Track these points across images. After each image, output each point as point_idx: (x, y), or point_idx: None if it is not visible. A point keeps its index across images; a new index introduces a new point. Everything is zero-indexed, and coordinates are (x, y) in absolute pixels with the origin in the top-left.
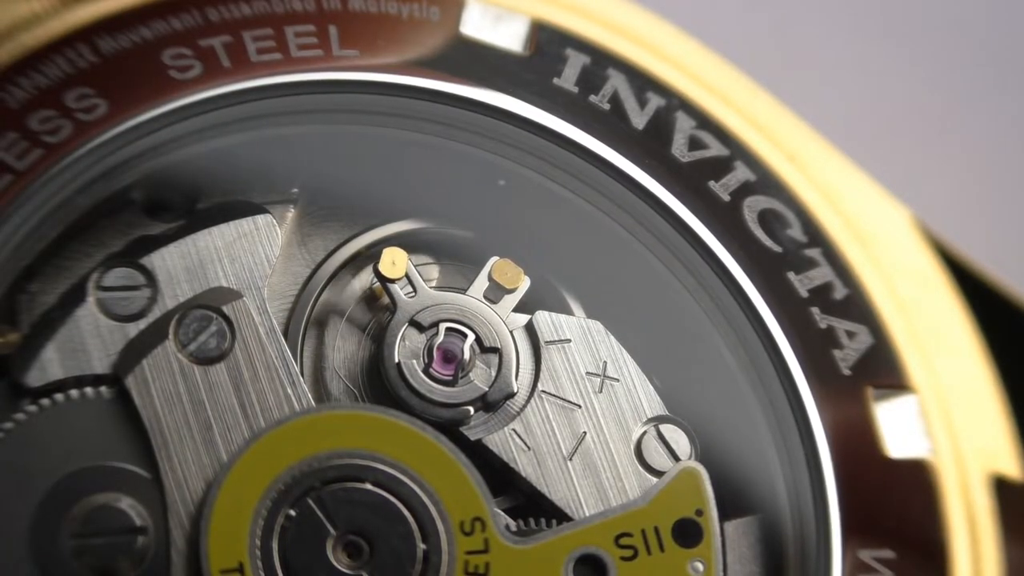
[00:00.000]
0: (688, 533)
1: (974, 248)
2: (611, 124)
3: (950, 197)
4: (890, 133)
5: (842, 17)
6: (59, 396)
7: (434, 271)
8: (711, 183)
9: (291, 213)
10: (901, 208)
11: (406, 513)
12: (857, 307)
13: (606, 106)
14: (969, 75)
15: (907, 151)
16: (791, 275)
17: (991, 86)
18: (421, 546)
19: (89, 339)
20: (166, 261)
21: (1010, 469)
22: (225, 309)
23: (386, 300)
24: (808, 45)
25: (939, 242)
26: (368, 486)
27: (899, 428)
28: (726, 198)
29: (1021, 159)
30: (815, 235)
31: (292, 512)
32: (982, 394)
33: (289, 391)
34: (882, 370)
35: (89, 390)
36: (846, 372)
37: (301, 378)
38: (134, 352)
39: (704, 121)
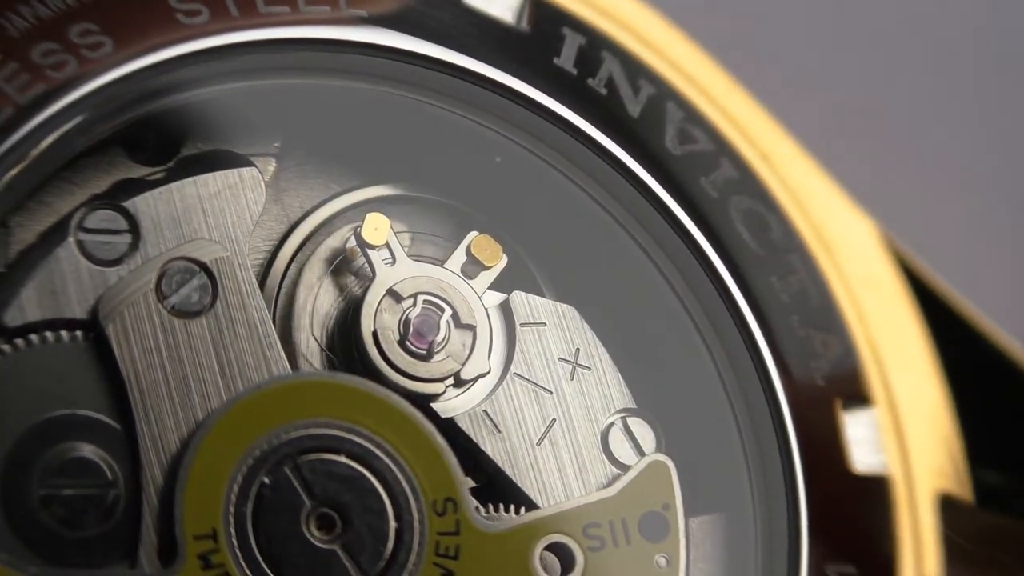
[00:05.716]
0: (655, 527)
1: (934, 260)
2: (609, 109)
3: (914, 207)
4: (857, 141)
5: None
6: (34, 337)
7: (406, 238)
8: (702, 179)
9: (273, 167)
10: (864, 218)
11: (381, 490)
12: (829, 316)
13: (603, 90)
14: (939, 85)
15: (873, 159)
16: (774, 280)
17: (963, 96)
18: (394, 524)
19: (69, 281)
20: (150, 207)
21: (957, 488)
22: (209, 263)
23: (361, 262)
24: (780, 46)
25: (900, 255)
26: (344, 459)
27: (862, 442)
28: (715, 195)
29: (986, 169)
30: (792, 239)
31: (267, 480)
32: (934, 410)
33: (267, 352)
34: (849, 382)
35: (65, 334)
36: (820, 383)
37: (277, 339)
38: (116, 300)
39: (690, 113)
